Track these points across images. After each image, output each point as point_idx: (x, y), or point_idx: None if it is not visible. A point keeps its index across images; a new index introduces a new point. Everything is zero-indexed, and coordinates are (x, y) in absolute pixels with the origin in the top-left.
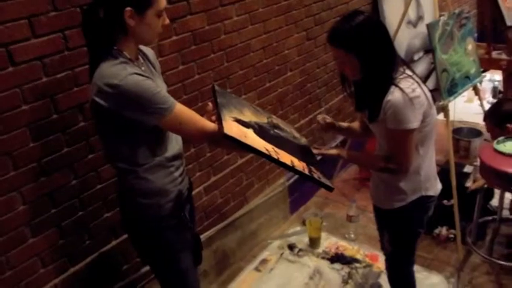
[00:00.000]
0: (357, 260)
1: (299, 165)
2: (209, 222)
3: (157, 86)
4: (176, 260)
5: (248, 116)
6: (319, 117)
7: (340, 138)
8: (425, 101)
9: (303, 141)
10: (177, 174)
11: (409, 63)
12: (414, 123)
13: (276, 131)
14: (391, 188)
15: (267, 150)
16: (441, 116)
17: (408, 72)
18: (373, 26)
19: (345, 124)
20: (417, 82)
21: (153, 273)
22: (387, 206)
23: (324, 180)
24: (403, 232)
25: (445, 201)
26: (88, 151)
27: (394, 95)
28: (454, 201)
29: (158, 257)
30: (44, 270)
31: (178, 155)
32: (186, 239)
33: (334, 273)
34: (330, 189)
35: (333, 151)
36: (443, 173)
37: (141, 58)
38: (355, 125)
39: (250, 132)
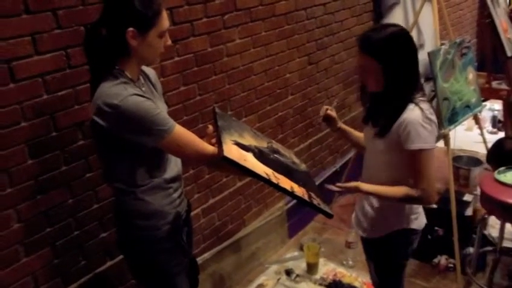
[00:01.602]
0: None
1: (299, 190)
2: (206, 244)
3: (157, 107)
4: (172, 283)
5: (248, 139)
6: (324, 108)
7: (339, 163)
8: (436, 128)
9: (303, 167)
10: (175, 195)
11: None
12: (432, 143)
13: (275, 155)
14: (376, 216)
15: (266, 174)
16: (441, 144)
17: (425, 98)
18: (406, 38)
19: (345, 127)
20: (433, 108)
21: None
22: (370, 235)
23: (323, 206)
24: (387, 262)
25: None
26: (86, 170)
27: (413, 112)
28: (454, 230)
29: (153, 280)
30: None
31: (177, 176)
32: (183, 263)
33: None
34: (329, 216)
35: (352, 184)
36: (443, 201)
37: (142, 78)
38: (358, 134)
39: (250, 156)
